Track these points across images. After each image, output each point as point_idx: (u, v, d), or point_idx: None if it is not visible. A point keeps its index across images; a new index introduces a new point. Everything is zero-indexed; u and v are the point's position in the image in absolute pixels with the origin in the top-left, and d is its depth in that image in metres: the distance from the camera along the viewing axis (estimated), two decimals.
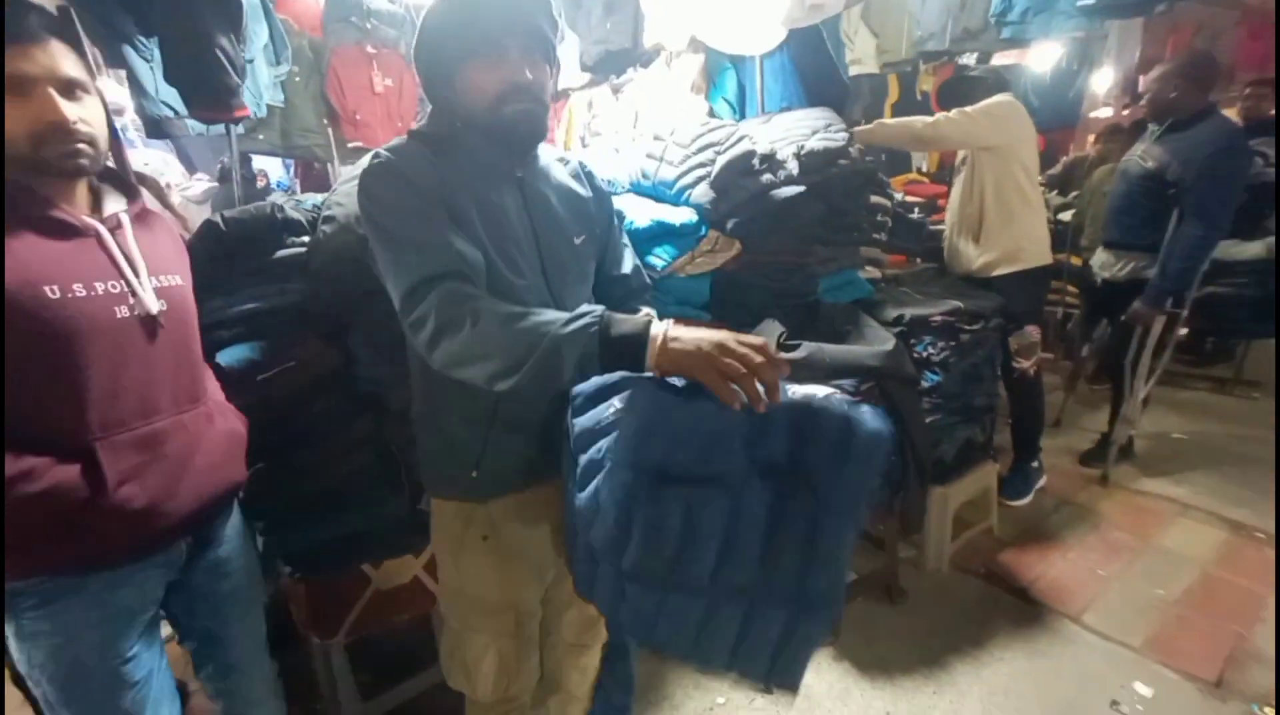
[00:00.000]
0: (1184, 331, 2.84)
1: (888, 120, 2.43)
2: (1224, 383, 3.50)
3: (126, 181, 1.02)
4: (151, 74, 1.69)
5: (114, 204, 0.98)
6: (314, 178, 4.58)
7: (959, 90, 2.43)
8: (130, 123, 5.13)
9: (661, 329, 0.79)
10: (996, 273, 2.32)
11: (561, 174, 1.12)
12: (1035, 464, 2.58)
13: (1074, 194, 4.15)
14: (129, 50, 1.63)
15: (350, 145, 3.87)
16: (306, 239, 1.39)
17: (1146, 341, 2.48)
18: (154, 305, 0.93)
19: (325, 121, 3.72)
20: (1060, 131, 5.36)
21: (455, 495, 1.08)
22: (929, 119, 2.26)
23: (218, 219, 1.30)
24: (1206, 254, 2.29)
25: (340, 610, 1.50)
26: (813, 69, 2.68)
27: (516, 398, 0.94)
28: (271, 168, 5.93)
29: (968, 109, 2.23)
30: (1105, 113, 5.63)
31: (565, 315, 0.83)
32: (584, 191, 1.14)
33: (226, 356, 1.30)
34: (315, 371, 1.37)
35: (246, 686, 1.17)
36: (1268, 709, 1.54)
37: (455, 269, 0.88)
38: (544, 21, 0.97)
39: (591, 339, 0.79)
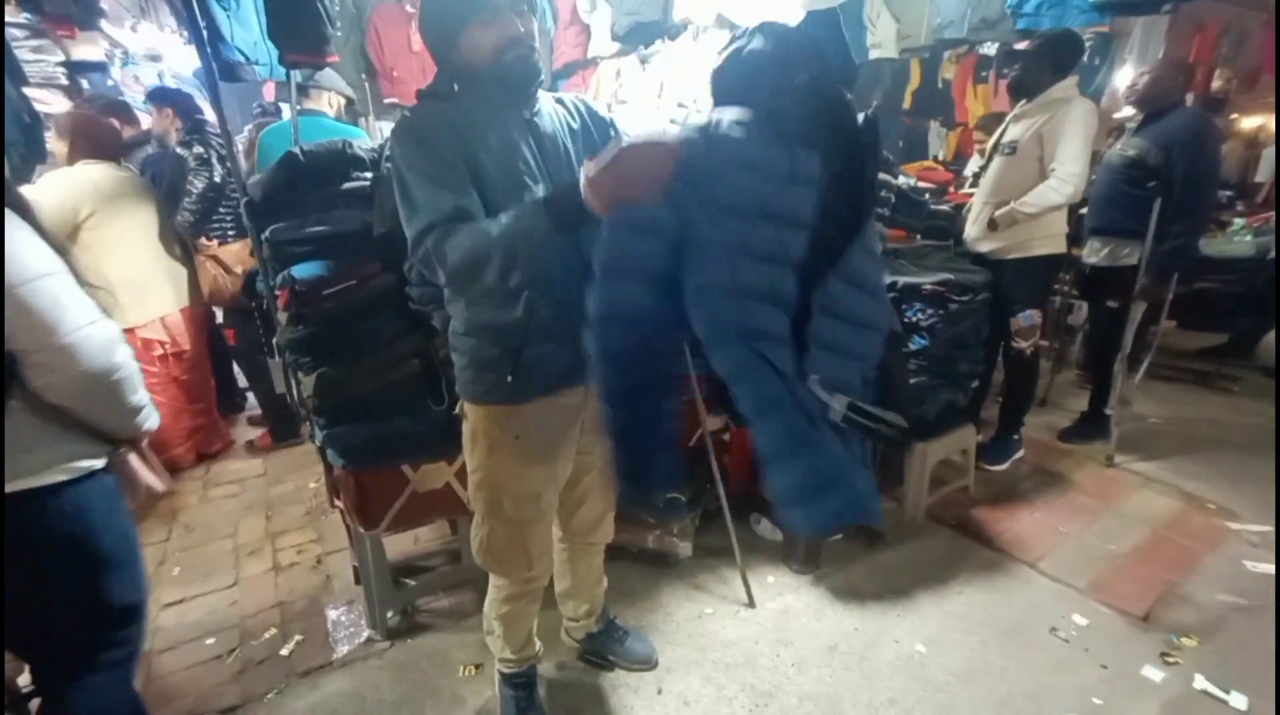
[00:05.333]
0: (1172, 323, 3.00)
1: (1029, 203, 2.30)
2: (1206, 376, 3.66)
3: None
4: (229, 21, 1.87)
5: None
6: None
7: (1059, 50, 2.35)
8: (167, 70, 5.32)
9: (587, 173, 0.93)
10: (1006, 258, 2.46)
11: (563, 113, 1.25)
12: (1016, 436, 2.76)
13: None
14: (211, 1, 1.82)
15: (386, 101, 4.04)
16: (370, 174, 1.58)
17: (1128, 326, 2.65)
18: None
19: (363, 76, 3.89)
20: None
21: (491, 400, 1.24)
22: (1056, 183, 2.25)
23: (298, 150, 1.49)
24: (1202, 228, 2.47)
25: (382, 506, 1.72)
26: (828, 50, 2.81)
27: (547, 309, 1.14)
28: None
29: (1078, 145, 2.24)
30: (1128, 112, 5.69)
31: (530, 203, 1.01)
32: (585, 124, 1.27)
33: (300, 270, 1.51)
34: (373, 290, 1.58)
35: None
36: (1185, 639, 1.75)
37: (452, 216, 1.03)
38: None
39: (540, 207, 0.98)
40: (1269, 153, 5.16)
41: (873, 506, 1.00)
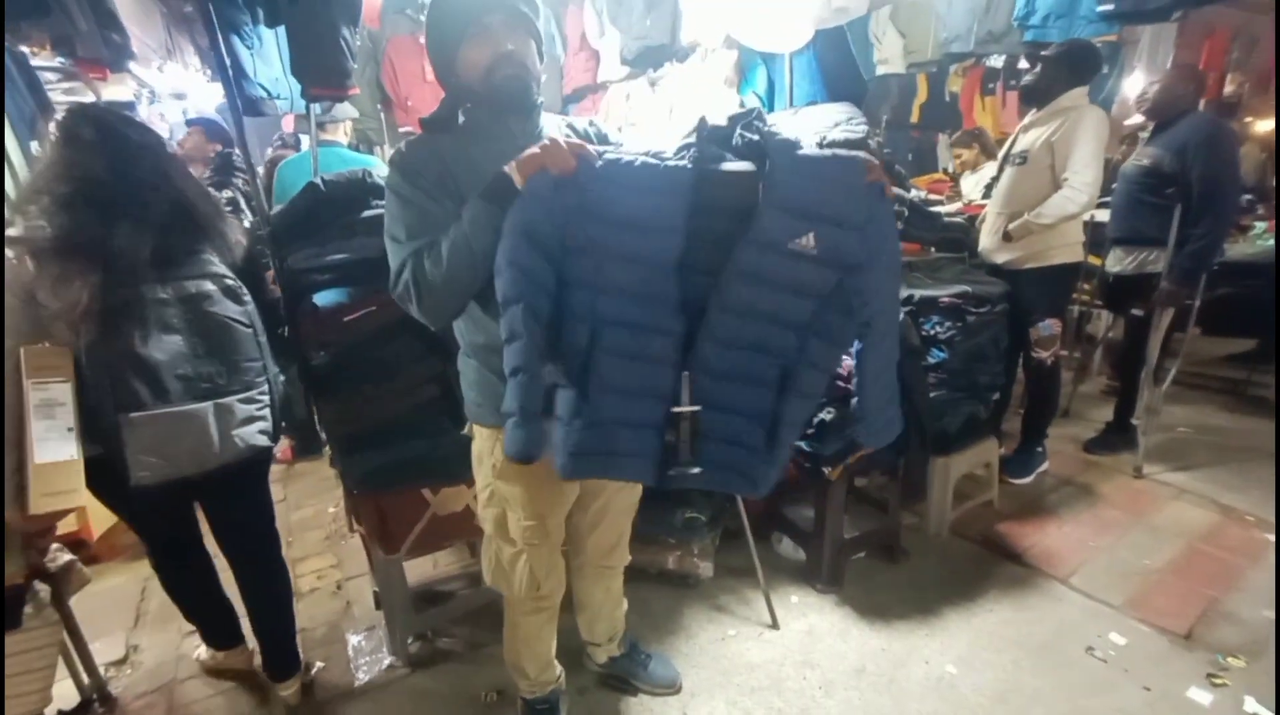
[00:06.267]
0: (1198, 331, 2.94)
1: (1044, 214, 2.30)
2: (1236, 383, 3.57)
3: None
4: (251, 59, 1.94)
5: None
6: None
7: (1078, 60, 2.36)
8: (190, 108, 5.50)
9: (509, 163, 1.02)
10: (1023, 268, 2.44)
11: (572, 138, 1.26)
12: (1040, 448, 2.71)
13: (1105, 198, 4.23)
14: (234, 38, 1.88)
15: (402, 130, 4.14)
16: None
17: (1154, 334, 2.60)
18: None
19: (379, 107, 4.00)
20: None
21: (495, 422, 1.21)
22: (1070, 192, 2.24)
23: (318, 181, 1.53)
24: (1223, 231, 2.44)
25: (402, 530, 1.72)
26: (835, 67, 2.85)
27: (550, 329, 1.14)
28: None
29: (1089, 152, 2.25)
30: (1137, 119, 5.67)
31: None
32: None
33: (321, 298, 1.53)
34: (392, 316, 1.59)
35: None
36: (1232, 659, 1.69)
37: (422, 250, 1.06)
38: (521, 1, 1.12)
39: (475, 202, 1.03)
40: None
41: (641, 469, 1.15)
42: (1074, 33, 2.66)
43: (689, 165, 1.00)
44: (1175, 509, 2.42)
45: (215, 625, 1.77)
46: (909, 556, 2.21)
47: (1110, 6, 2.54)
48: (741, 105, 2.87)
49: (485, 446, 1.29)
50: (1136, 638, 1.79)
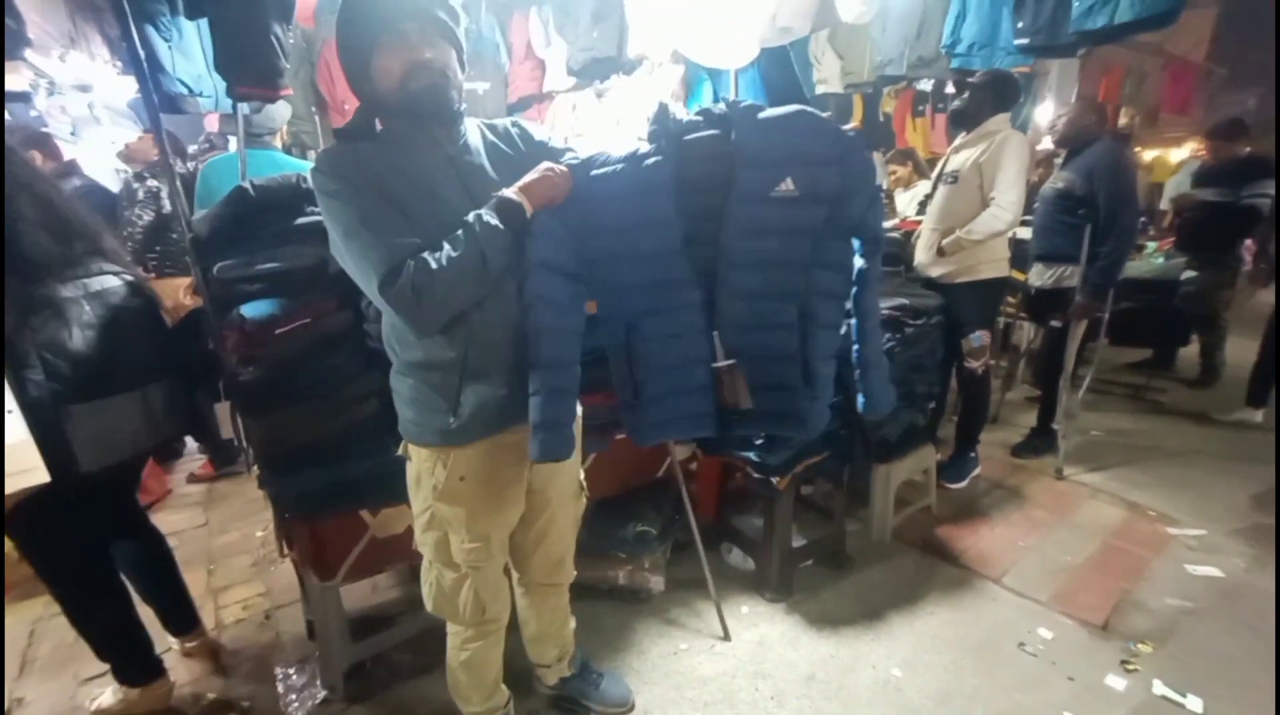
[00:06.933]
0: (1106, 341, 3.18)
1: (974, 230, 2.43)
2: (1137, 388, 3.90)
3: None
4: (170, 53, 1.80)
5: None
6: None
7: (1002, 88, 2.53)
8: (98, 101, 5.09)
9: (513, 189, 1.10)
10: (955, 281, 2.57)
11: (494, 140, 1.21)
12: (972, 454, 2.85)
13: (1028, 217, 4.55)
14: (150, 29, 1.74)
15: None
16: None
17: (1070, 343, 2.80)
18: None
19: (314, 109, 3.82)
20: None
21: (434, 441, 1.19)
22: (997, 211, 2.38)
23: (247, 185, 1.43)
24: (1127, 248, 2.66)
25: (339, 555, 1.62)
26: (779, 84, 2.94)
27: (484, 345, 1.13)
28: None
29: (1013, 174, 2.38)
30: (1048, 144, 6.14)
31: (471, 216, 1.07)
32: (520, 151, 1.22)
33: (250, 309, 1.43)
34: (328, 328, 1.51)
35: None
36: (1142, 645, 1.82)
37: (410, 252, 1.03)
38: (438, 8, 1.09)
39: (490, 213, 1.07)
40: (1171, 182, 5.66)
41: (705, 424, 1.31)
42: (995, 62, 2.85)
43: (663, 159, 1.11)
44: (1092, 507, 2.59)
45: (134, 653, 1.67)
46: (854, 563, 2.26)
47: (1025, 40, 2.74)
48: None
49: (425, 467, 1.22)
50: (1061, 631, 1.90)
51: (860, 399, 1.34)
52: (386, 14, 1.06)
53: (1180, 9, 2.27)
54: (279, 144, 2.26)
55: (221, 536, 2.64)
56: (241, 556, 2.48)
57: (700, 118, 1.16)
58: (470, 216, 1.08)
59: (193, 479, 3.13)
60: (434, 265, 1.02)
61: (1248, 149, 3.74)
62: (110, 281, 1.45)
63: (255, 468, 1.70)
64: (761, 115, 1.11)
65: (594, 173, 1.12)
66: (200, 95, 1.92)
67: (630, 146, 1.16)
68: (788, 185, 1.10)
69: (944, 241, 2.52)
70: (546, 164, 1.13)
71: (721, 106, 1.16)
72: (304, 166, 2.34)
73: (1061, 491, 2.74)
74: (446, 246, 1.04)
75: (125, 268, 1.52)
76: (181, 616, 1.85)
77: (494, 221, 1.06)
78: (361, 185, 1.05)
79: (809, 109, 1.14)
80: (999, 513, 2.58)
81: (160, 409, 1.51)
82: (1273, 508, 2.45)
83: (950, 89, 4.33)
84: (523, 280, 1.12)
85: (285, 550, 1.85)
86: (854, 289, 1.26)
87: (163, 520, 2.74)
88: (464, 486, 1.21)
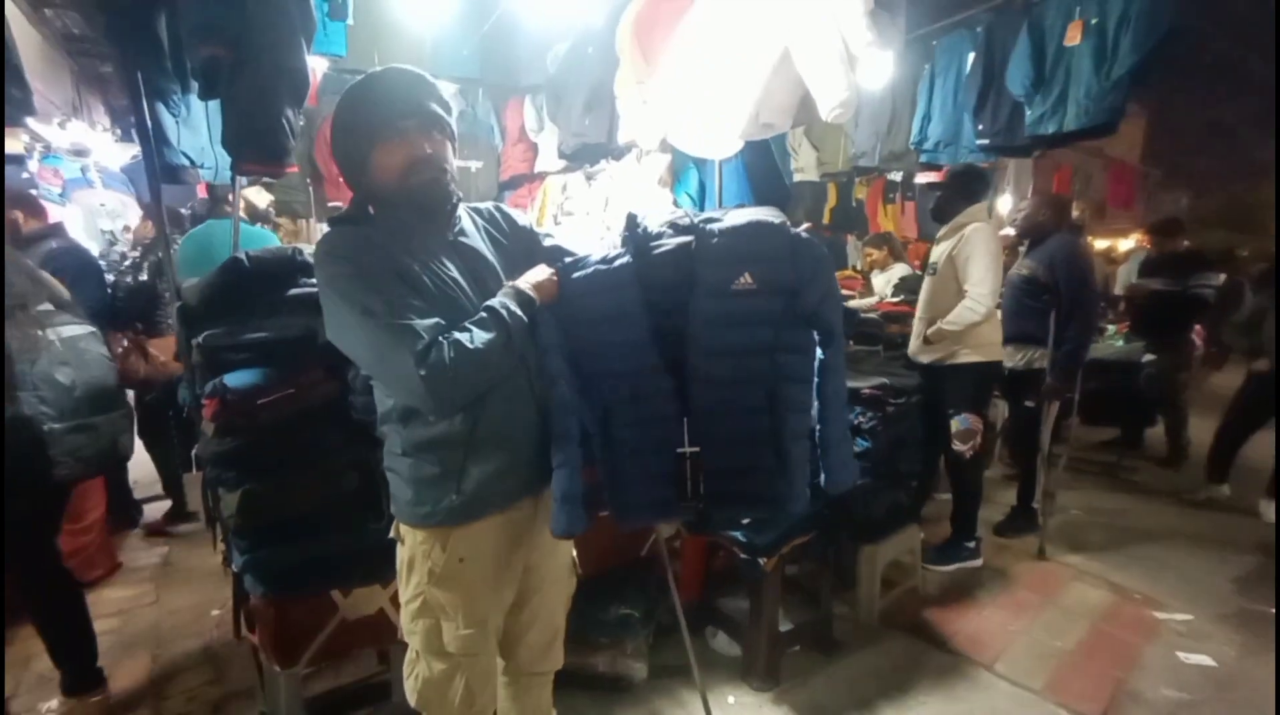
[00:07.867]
0: (1078, 420, 3.27)
1: (952, 322, 2.54)
2: (1110, 466, 3.98)
3: None
4: (176, 127, 1.85)
5: None
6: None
7: (969, 183, 2.69)
8: (92, 164, 5.17)
9: (525, 283, 1.16)
10: (942, 364, 2.64)
11: (485, 226, 1.26)
12: (970, 544, 2.74)
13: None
14: (159, 105, 1.81)
15: (330, 204, 4.06)
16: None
17: (1044, 423, 2.87)
18: None
19: (308, 181, 3.93)
20: None
21: (434, 522, 1.15)
22: (971, 303, 2.50)
23: (242, 256, 1.45)
24: (1090, 332, 2.81)
25: (304, 638, 1.52)
26: (761, 173, 3.12)
27: (490, 420, 1.12)
28: None
29: (983, 267, 2.51)
30: (1008, 232, 6.56)
31: (497, 303, 1.12)
32: (507, 234, 1.29)
33: (233, 378, 1.41)
34: (312, 399, 1.49)
35: None
36: None
37: (440, 330, 1.03)
38: (434, 103, 1.12)
39: (509, 302, 1.12)
40: (1122, 270, 6.07)
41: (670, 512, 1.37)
42: (959, 158, 3.08)
43: (630, 260, 1.22)
44: (1077, 589, 2.57)
45: (83, 656, 1.88)
46: (841, 647, 2.19)
47: (985, 141, 2.99)
48: (675, 204, 3.05)
49: (420, 551, 1.17)
50: None
51: (823, 476, 1.35)
52: (386, 112, 1.09)
53: (1118, 121, 2.52)
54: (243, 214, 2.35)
55: (172, 617, 2.46)
56: (192, 639, 2.30)
57: (668, 227, 1.27)
58: (495, 303, 1.11)
59: (147, 534, 3.11)
60: (469, 345, 1.03)
61: (1185, 243, 4.17)
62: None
63: (220, 544, 1.62)
64: (719, 226, 1.23)
65: (575, 275, 1.23)
66: (201, 167, 1.97)
67: (604, 250, 1.28)
68: (746, 279, 1.19)
69: (929, 331, 2.62)
70: (545, 267, 1.22)
71: (686, 218, 1.27)
72: (266, 235, 2.42)
73: (1046, 572, 2.72)
74: (476, 328, 1.06)
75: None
76: (95, 671, 1.93)
77: (516, 310, 1.11)
78: (373, 265, 1.05)
79: (762, 218, 1.25)
80: (986, 594, 2.54)
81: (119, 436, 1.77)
82: (1258, 593, 2.46)
83: (918, 178, 4.63)
84: (539, 360, 1.18)
85: (243, 632, 1.73)
86: (815, 379, 1.31)
87: (106, 598, 2.59)
88: (463, 568, 1.16)
